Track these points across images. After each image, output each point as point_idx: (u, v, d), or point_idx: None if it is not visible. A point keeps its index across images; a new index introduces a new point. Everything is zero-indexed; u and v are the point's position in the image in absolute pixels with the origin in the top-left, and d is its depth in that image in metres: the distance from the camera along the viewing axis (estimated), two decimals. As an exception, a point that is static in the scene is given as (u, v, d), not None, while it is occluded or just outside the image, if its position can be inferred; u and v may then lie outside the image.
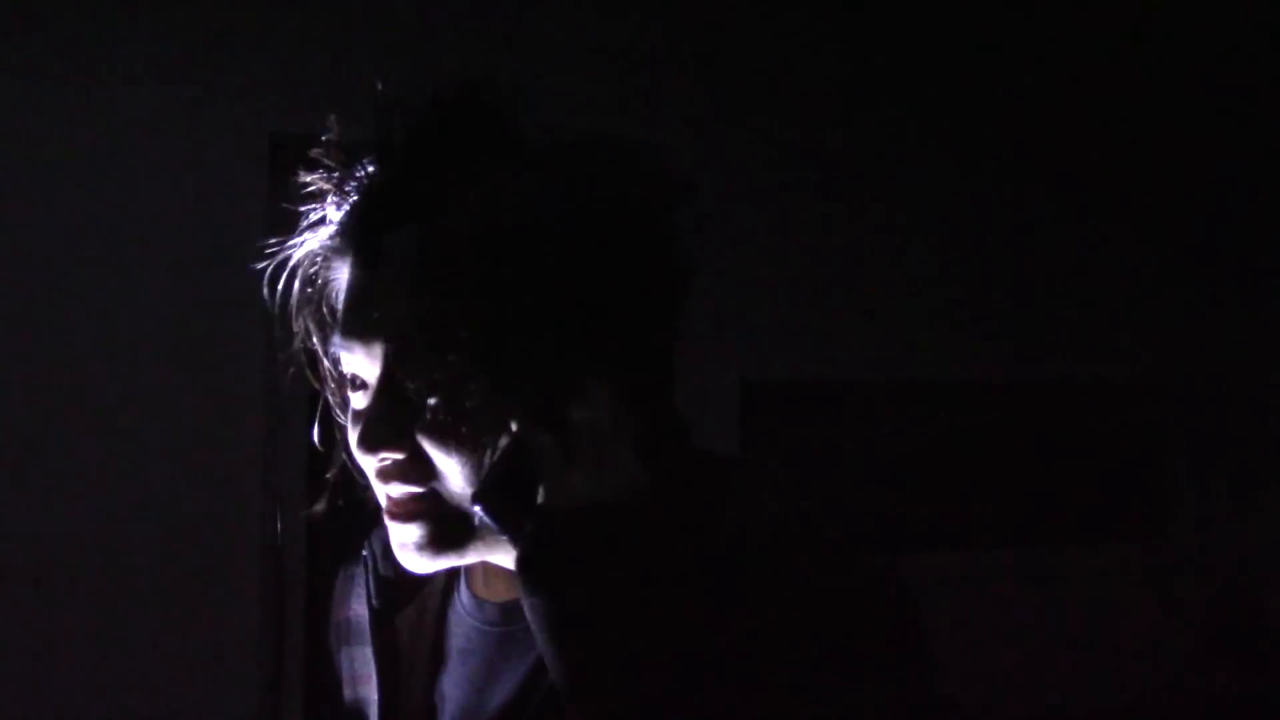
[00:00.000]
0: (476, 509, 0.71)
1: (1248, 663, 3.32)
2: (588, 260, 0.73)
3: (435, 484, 0.76)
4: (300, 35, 2.45)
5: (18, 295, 2.26)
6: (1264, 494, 3.39)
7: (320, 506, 0.89)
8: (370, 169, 0.80)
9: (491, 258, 0.72)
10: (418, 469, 0.76)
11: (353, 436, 0.79)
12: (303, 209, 0.83)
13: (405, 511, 0.77)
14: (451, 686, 0.87)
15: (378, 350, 0.76)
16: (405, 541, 0.78)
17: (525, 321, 0.72)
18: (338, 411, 0.86)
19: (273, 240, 0.84)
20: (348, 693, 0.94)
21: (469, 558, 0.80)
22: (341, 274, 0.82)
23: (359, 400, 0.79)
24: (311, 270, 0.83)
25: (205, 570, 2.32)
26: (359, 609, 0.93)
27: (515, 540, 0.70)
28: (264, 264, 0.84)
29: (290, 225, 0.82)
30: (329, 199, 0.82)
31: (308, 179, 0.82)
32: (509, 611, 0.85)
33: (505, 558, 0.81)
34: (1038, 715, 2.99)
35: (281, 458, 2.47)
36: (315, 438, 0.90)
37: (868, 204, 3.01)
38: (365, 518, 0.94)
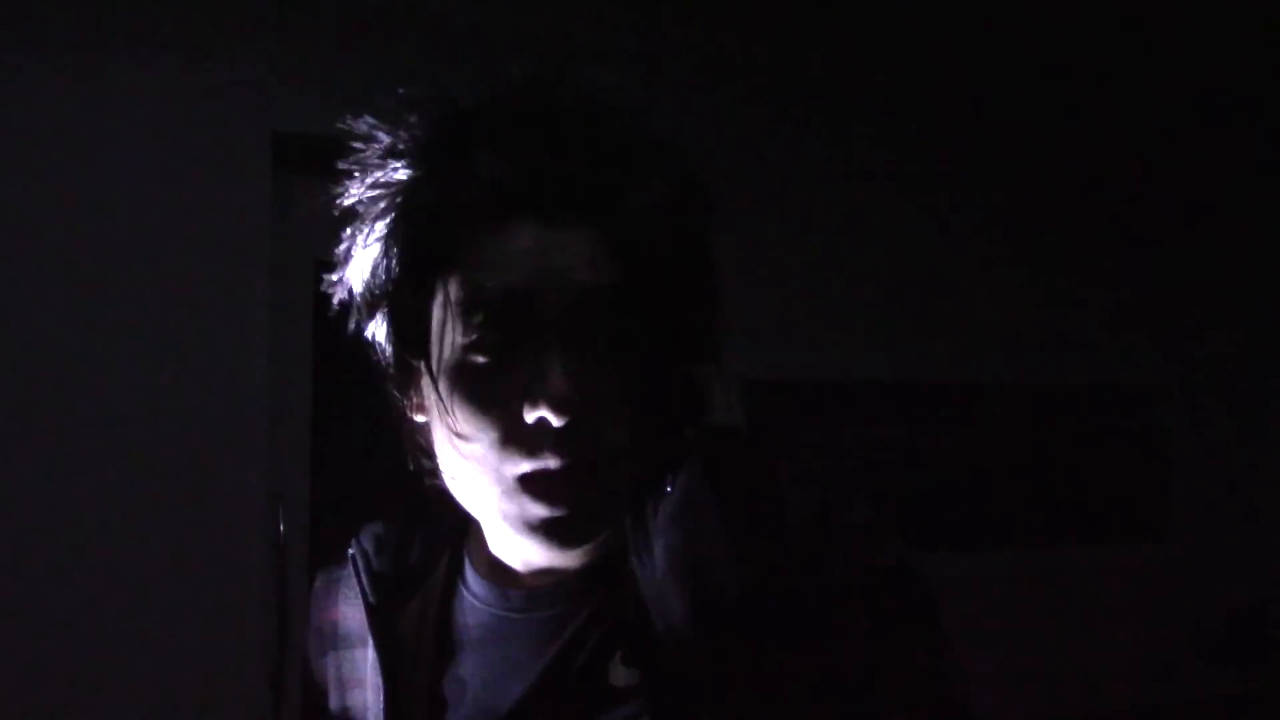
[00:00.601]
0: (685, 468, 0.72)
1: (1250, 665, 3.33)
2: (704, 236, 0.81)
3: (600, 453, 0.75)
4: (303, 33, 2.45)
5: (18, 292, 2.25)
6: (1266, 497, 3.39)
7: (428, 474, 0.85)
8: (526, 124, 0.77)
9: (688, 223, 0.77)
10: (593, 434, 0.74)
11: (477, 405, 0.76)
12: (363, 164, 0.80)
13: (563, 488, 0.75)
14: (467, 677, 0.85)
15: (566, 304, 0.74)
16: (552, 528, 0.76)
17: (706, 284, 0.79)
18: (432, 374, 0.79)
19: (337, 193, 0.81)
20: (334, 699, 0.91)
21: (592, 541, 0.79)
22: (480, 228, 0.76)
23: (490, 364, 0.75)
24: (425, 222, 0.77)
25: (207, 568, 2.31)
26: (348, 610, 0.91)
27: (679, 466, 0.71)
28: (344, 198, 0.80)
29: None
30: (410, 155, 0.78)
31: (374, 130, 0.80)
32: (534, 599, 0.84)
33: (572, 558, 0.81)
34: (1039, 716, 2.99)
35: (284, 456, 2.47)
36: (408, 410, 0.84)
37: (873, 205, 3.01)
38: (363, 514, 0.93)
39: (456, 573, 0.89)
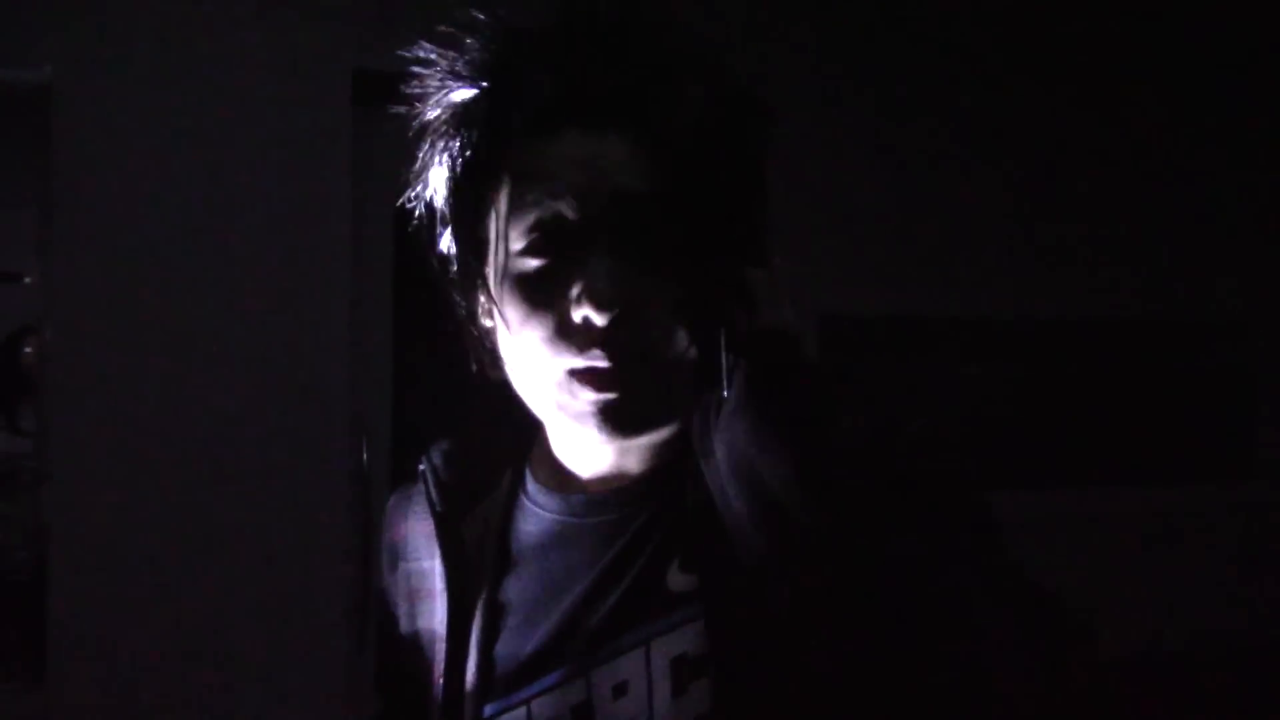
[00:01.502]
0: (734, 362, 0.73)
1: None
2: (757, 143, 0.82)
3: (643, 346, 0.78)
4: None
5: (104, 244, 2.32)
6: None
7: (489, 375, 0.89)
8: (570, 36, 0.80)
9: (731, 131, 0.79)
10: (632, 329, 0.77)
11: (528, 306, 0.79)
12: (423, 87, 0.84)
13: (613, 378, 0.78)
14: (528, 583, 0.87)
15: (608, 207, 0.78)
16: (605, 412, 0.79)
17: (752, 191, 0.81)
18: (488, 278, 0.84)
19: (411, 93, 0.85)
20: (404, 614, 0.94)
21: (655, 432, 0.82)
22: (532, 135, 0.80)
23: (540, 263, 0.79)
24: (469, 145, 0.82)
25: (293, 497, 2.39)
26: (417, 525, 0.94)
27: (738, 360, 0.73)
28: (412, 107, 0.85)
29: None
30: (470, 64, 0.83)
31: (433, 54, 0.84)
32: (595, 504, 0.86)
33: (634, 459, 0.84)
34: (1121, 656, 2.97)
35: (367, 387, 2.53)
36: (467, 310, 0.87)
37: (951, 141, 2.95)
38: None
39: (519, 484, 0.92)
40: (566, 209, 0.78)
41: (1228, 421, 3.26)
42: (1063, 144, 3.06)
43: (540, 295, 0.79)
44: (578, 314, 0.77)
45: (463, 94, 0.83)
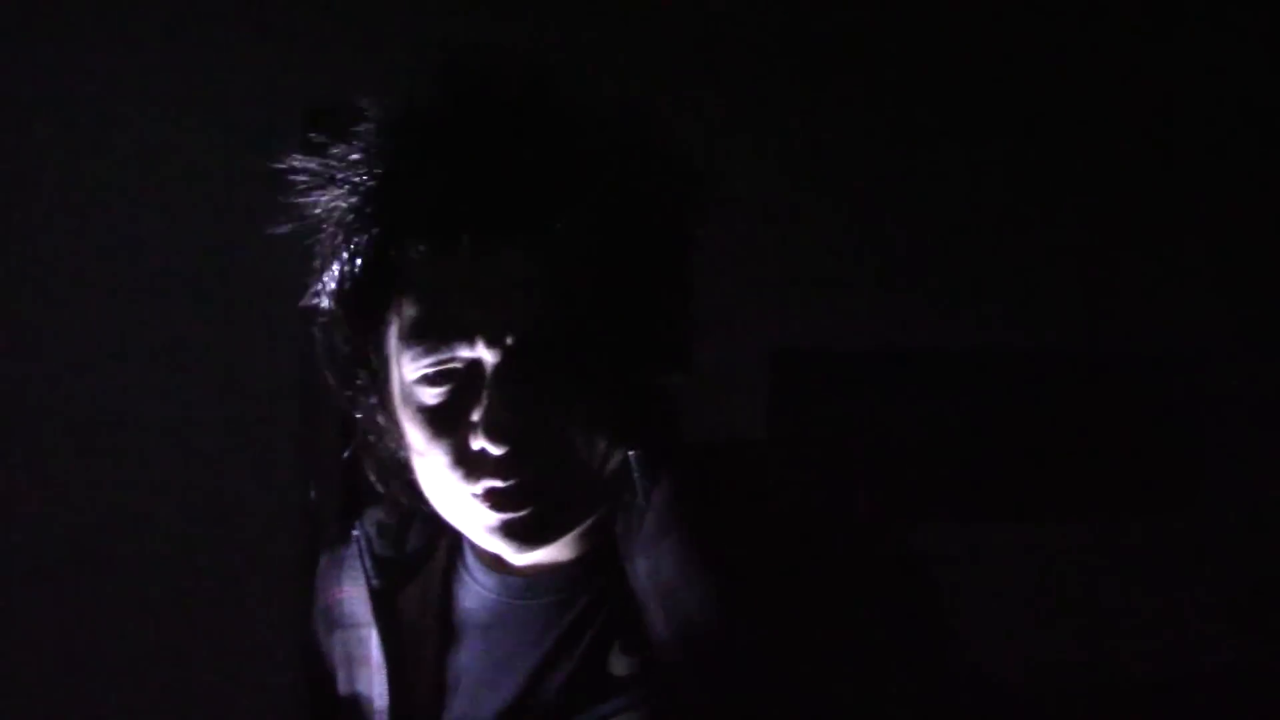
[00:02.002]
0: (628, 455, 0.73)
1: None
2: (673, 238, 0.78)
3: (545, 471, 0.76)
4: (336, 11, 2.45)
5: (43, 272, 2.28)
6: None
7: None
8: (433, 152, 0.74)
9: (626, 239, 0.74)
10: (533, 456, 0.75)
11: (428, 433, 0.76)
12: (304, 199, 0.79)
13: (517, 500, 0.76)
14: (470, 661, 0.85)
15: (504, 340, 0.74)
16: (512, 529, 0.77)
17: (667, 294, 0.77)
18: (388, 402, 0.81)
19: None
20: (343, 679, 0.92)
21: (558, 542, 0.80)
22: (407, 266, 0.76)
23: (437, 395, 0.76)
24: (356, 262, 0.77)
25: (237, 539, 2.35)
26: (353, 590, 0.91)
27: (654, 481, 0.71)
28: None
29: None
30: (342, 186, 0.77)
31: (313, 163, 0.79)
32: (534, 585, 0.84)
33: (567, 548, 0.82)
34: (1069, 687, 2.99)
35: (315, 430, 2.49)
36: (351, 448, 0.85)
37: (907, 170, 2.98)
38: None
39: (457, 557, 0.90)
40: (461, 347, 0.75)
41: (1176, 454, 3.30)
42: (1013, 177, 3.09)
43: (439, 424, 0.77)
44: (476, 444, 0.75)
45: (348, 197, 0.78)
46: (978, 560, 2.78)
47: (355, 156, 0.77)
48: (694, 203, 0.78)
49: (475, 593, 0.87)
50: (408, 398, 0.78)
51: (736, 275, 2.59)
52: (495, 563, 0.87)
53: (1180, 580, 3.22)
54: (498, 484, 0.76)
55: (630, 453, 0.73)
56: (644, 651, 0.75)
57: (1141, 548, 3.20)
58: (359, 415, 0.84)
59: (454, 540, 0.91)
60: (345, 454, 0.87)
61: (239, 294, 2.38)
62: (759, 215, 2.68)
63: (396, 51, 2.28)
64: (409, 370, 0.77)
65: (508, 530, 0.77)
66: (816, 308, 2.87)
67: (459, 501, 0.79)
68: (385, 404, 0.81)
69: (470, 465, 0.76)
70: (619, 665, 0.78)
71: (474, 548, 0.89)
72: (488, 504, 0.77)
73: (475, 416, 0.74)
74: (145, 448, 2.31)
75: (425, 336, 0.75)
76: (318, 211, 0.79)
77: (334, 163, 0.78)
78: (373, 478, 0.86)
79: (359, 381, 0.82)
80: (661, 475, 0.72)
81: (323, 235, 0.80)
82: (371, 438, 0.84)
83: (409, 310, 0.76)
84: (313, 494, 2.46)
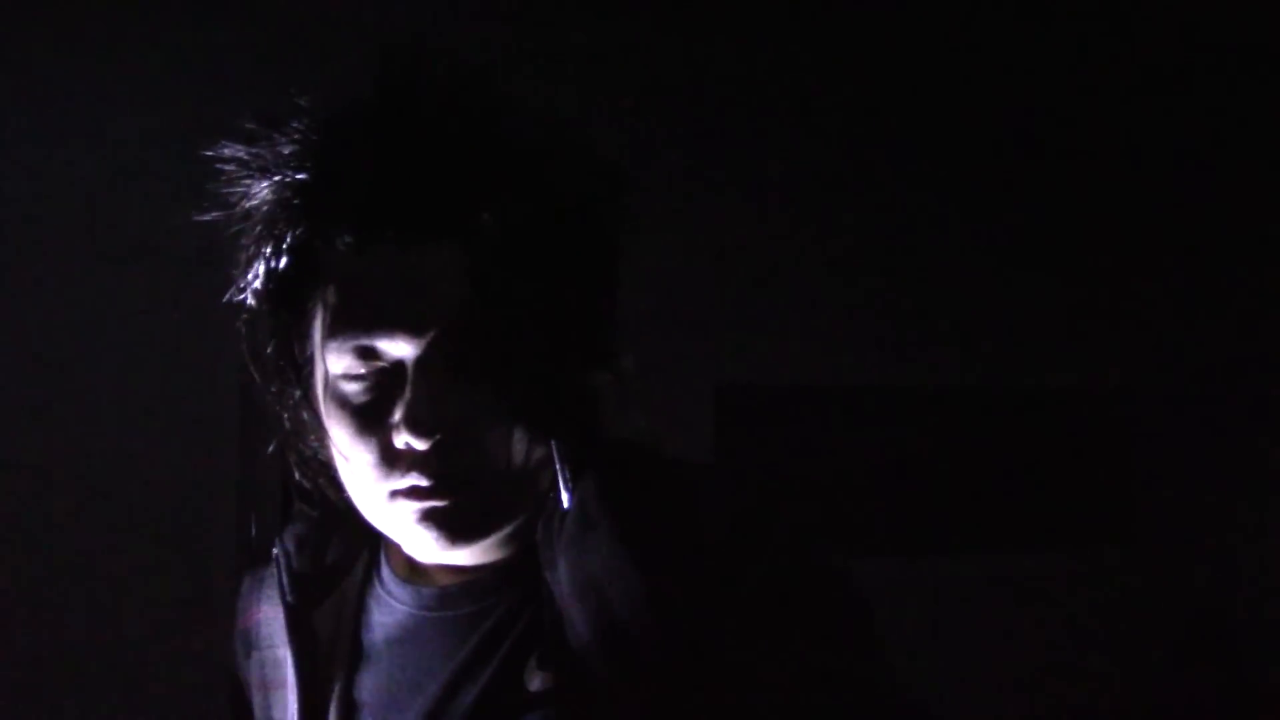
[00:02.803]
0: (551, 445, 0.72)
1: (1215, 665, 3.36)
2: (598, 238, 0.78)
3: (470, 466, 0.75)
4: (283, 30, 2.46)
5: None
6: (1230, 498, 3.43)
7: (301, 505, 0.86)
8: (358, 144, 0.74)
9: (550, 236, 0.74)
10: (458, 451, 0.74)
11: (351, 429, 0.76)
12: (232, 188, 0.78)
13: (442, 495, 0.75)
14: (383, 677, 0.83)
15: (427, 334, 0.73)
16: (435, 517, 0.76)
17: (591, 292, 0.76)
18: (312, 400, 0.80)
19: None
20: (258, 700, 0.90)
21: (485, 543, 0.79)
22: (327, 258, 0.76)
23: (361, 391, 0.76)
24: (281, 255, 0.77)
25: (181, 569, 2.31)
26: (270, 611, 0.89)
27: (578, 475, 0.71)
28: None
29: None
30: (266, 177, 0.77)
31: (239, 153, 0.78)
32: (448, 596, 0.83)
33: (483, 554, 0.80)
34: (1005, 718, 3.02)
35: (256, 458, 2.47)
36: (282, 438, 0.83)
37: (842, 209, 3.03)
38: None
39: (374, 571, 0.89)
40: (383, 341, 0.74)
41: (1107, 486, 3.36)
42: (942, 219, 3.16)
43: (362, 420, 0.76)
44: (399, 440, 0.74)
45: (276, 190, 0.77)
46: (909, 592, 2.82)
47: (287, 150, 0.77)
48: (619, 204, 0.78)
49: (389, 606, 0.85)
50: (332, 394, 0.77)
51: (679, 314, 2.62)
52: (410, 573, 0.86)
53: (1110, 613, 3.27)
54: (421, 482, 0.75)
55: (554, 443, 0.72)
56: (561, 665, 0.74)
57: (1074, 579, 3.25)
58: (283, 413, 0.82)
59: (372, 554, 0.89)
60: (269, 449, 0.85)
61: (176, 322, 2.35)
62: (705, 257, 2.71)
63: (349, 52, 2.28)
64: (333, 365, 0.76)
65: (431, 518, 0.76)
66: (758, 343, 2.90)
67: (381, 499, 0.77)
68: (309, 400, 0.80)
69: (393, 462, 0.75)
70: (534, 680, 0.76)
71: (390, 560, 0.87)
72: (407, 498, 0.76)
73: (398, 414, 0.74)
74: (80, 486, 2.27)
75: (348, 328, 0.75)
76: (248, 203, 0.78)
77: (265, 154, 0.78)
78: (298, 475, 0.85)
79: (284, 377, 0.81)
80: (585, 470, 0.71)
81: (247, 227, 0.79)
82: (294, 436, 0.83)
83: (332, 301, 0.75)
84: (254, 530, 2.43)
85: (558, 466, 0.72)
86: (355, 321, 0.75)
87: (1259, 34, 3.01)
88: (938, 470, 3.14)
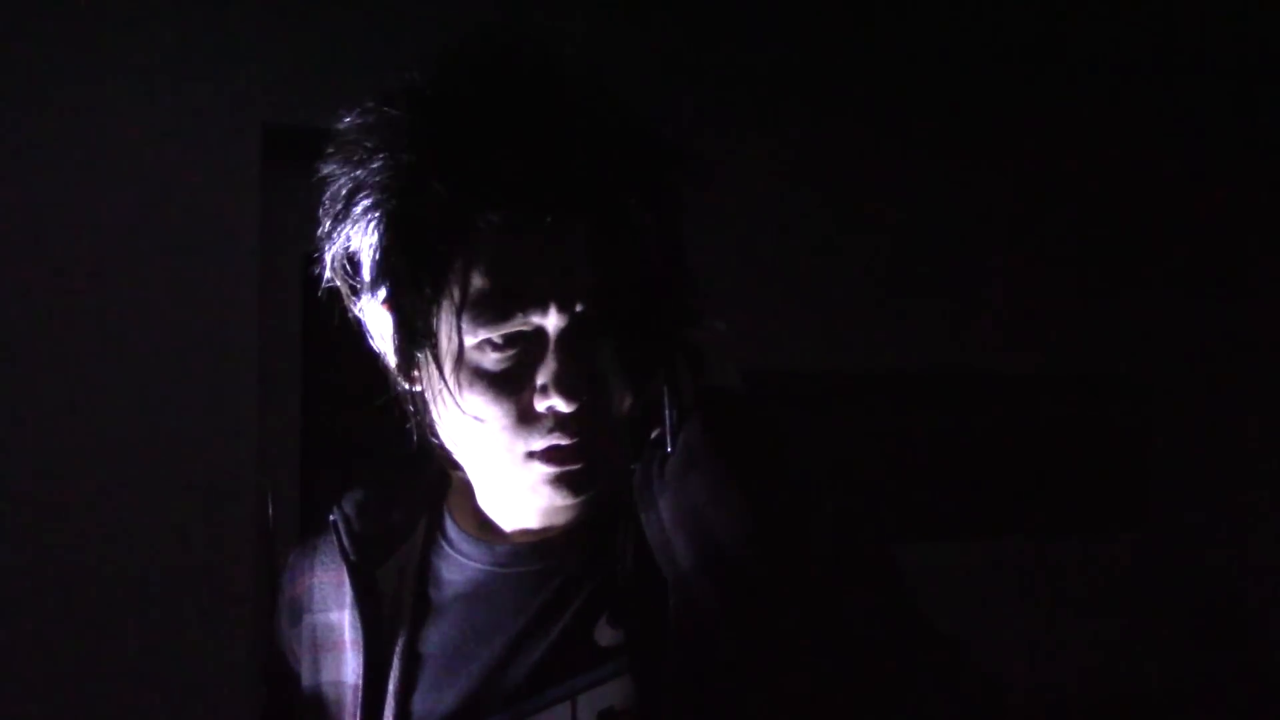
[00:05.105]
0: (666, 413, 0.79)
1: (1228, 652, 3.36)
2: (679, 208, 0.84)
3: (594, 428, 0.80)
4: (295, 28, 2.47)
5: (8, 292, 2.27)
6: (1244, 489, 3.42)
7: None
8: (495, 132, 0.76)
9: (671, 212, 0.82)
10: (591, 411, 0.79)
11: (489, 395, 0.79)
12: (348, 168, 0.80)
13: (575, 453, 0.80)
14: (445, 631, 0.86)
15: (573, 306, 0.78)
16: (567, 480, 0.81)
17: (683, 258, 0.83)
18: (440, 367, 0.81)
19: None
20: (307, 668, 0.92)
21: (592, 494, 0.83)
22: (464, 237, 0.77)
23: (502, 359, 0.78)
24: (420, 233, 0.77)
25: (199, 556, 2.34)
26: (324, 575, 0.92)
27: (684, 418, 0.78)
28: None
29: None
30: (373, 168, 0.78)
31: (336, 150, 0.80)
32: (521, 554, 0.86)
33: (575, 509, 0.85)
34: (1017, 705, 3.02)
35: (274, 445, 2.49)
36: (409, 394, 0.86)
37: (860, 198, 3.03)
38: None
39: (438, 529, 0.92)
40: (533, 316, 0.78)
41: (1121, 474, 3.35)
42: (955, 200, 3.16)
43: (500, 386, 0.79)
44: (542, 404, 0.79)
45: (389, 171, 0.78)
46: (921, 578, 2.81)
47: (406, 130, 0.78)
48: (691, 175, 0.83)
49: (457, 563, 0.89)
50: (466, 364, 0.79)
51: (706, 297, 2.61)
52: (482, 531, 0.89)
53: (1123, 601, 3.27)
54: (561, 441, 0.79)
55: (665, 392, 0.79)
56: (633, 623, 0.78)
57: (1084, 568, 3.25)
58: (400, 376, 0.84)
59: (434, 516, 0.93)
60: (378, 401, 0.88)
61: (193, 319, 2.37)
62: (725, 241, 2.71)
63: (360, 72, 2.30)
64: (471, 335, 0.78)
65: (562, 482, 0.80)
66: (771, 330, 2.90)
67: (516, 460, 0.81)
68: (436, 367, 0.81)
69: (532, 424, 0.79)
70: (605, 636, 0.79)
71: (459, 517, 0.91)
72: (546, 460, 0.80)
73: (542, 378, 0.78)
74: (97, 472, 2.29)
75: (498, 305, 0.77)
76: (358, 173, 0.79)
77: (386, 128, 0.78)
78: (416, 433, 0.86)
79: (406, 342, 0.81)
80: (689, 416, 0.77)
81: (361, 182, 0.79)
82: (411, 398, 0.85)
83: (477, 280, 0.77)
84: (270, 512, 2.45)
85: (666, 413, 0.78)
86: (505, 297, 0.77)
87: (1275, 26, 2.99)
88: (950, 456, 3.15)
